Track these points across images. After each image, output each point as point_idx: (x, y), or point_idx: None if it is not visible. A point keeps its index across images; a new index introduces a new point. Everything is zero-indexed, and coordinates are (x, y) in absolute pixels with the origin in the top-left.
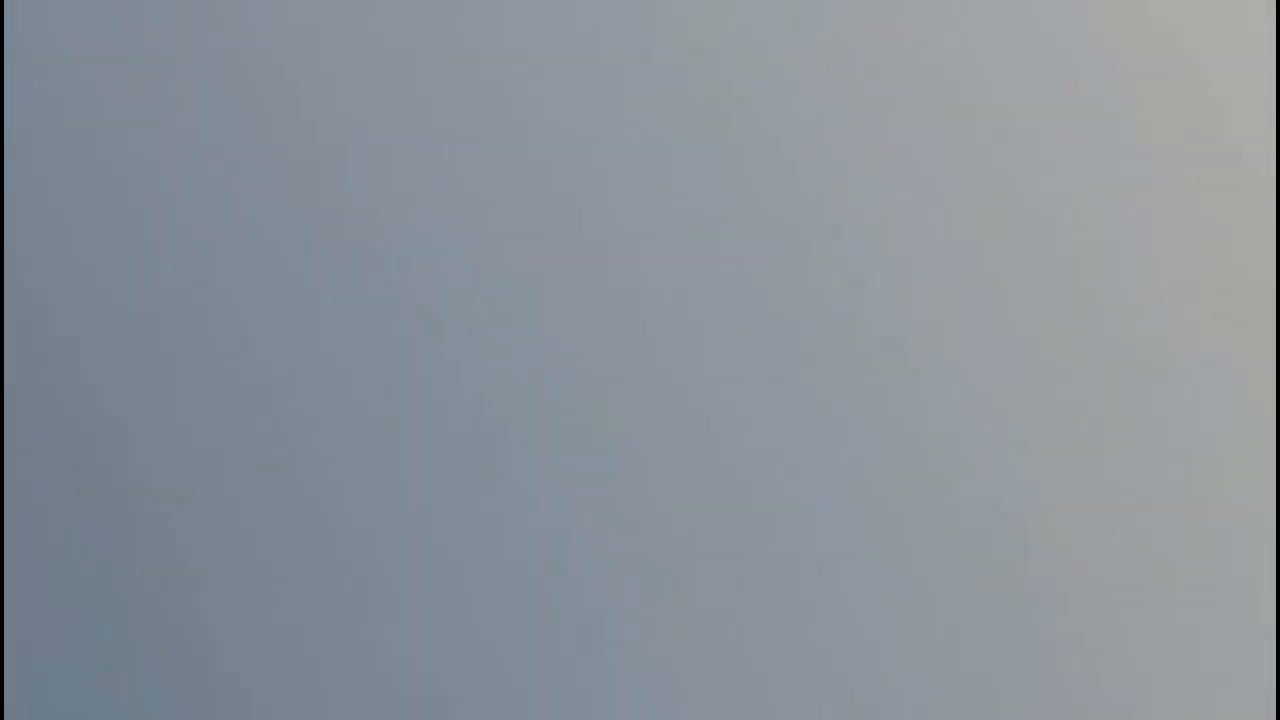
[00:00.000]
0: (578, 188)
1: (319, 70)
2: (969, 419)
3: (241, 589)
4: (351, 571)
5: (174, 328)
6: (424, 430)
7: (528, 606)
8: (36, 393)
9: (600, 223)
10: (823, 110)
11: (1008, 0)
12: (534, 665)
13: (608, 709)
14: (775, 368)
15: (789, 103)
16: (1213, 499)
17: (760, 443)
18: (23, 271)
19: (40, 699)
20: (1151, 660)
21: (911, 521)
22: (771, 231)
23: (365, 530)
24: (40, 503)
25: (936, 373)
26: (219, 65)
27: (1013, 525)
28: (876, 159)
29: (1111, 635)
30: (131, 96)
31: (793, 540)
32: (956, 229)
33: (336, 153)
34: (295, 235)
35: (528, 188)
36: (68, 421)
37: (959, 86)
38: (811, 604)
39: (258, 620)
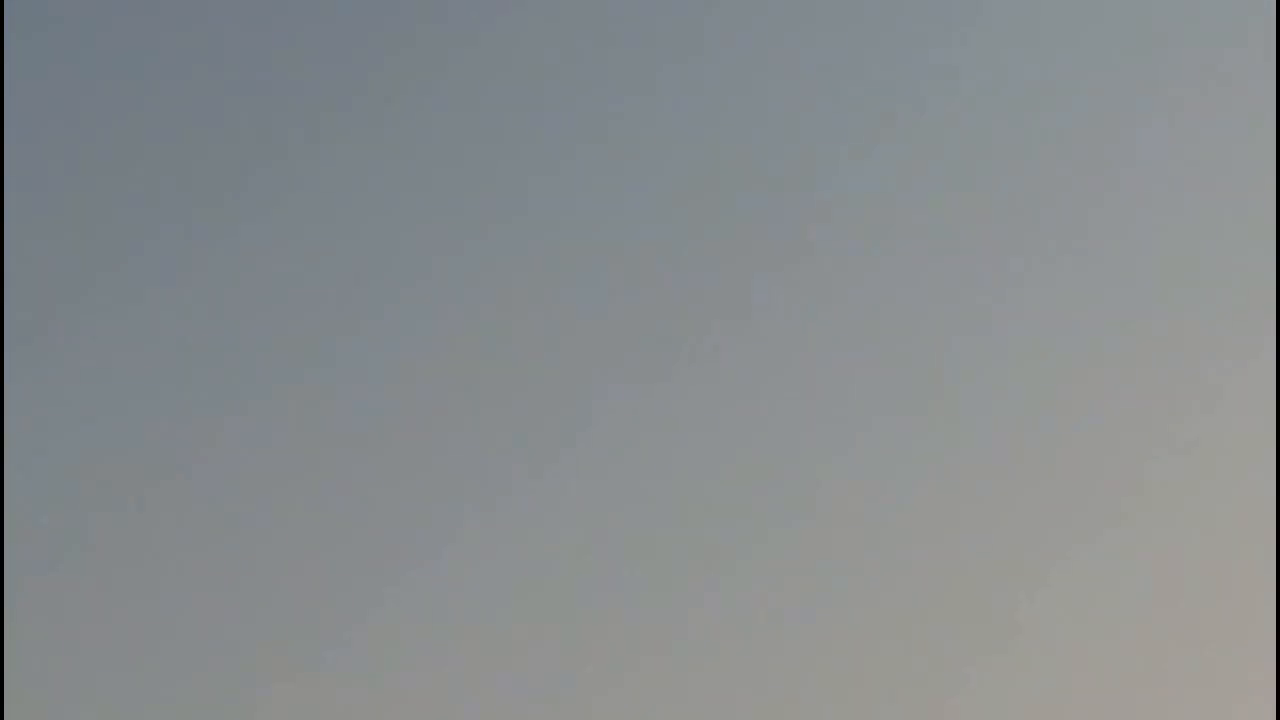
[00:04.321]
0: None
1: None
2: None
3: (241, 588)
4: (354, 576)
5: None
6: None
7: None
8: (36, 392)
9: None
10: None
11: None
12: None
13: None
14: None
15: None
16: (1213, 499)
17: None
18: (22, 272)
19: (40, 699)
20: (1152, 660)
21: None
22: None
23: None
24: (40, 502)
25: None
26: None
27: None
28: None
29: (1112, 635)
30: (129, 97)
31: None
32: None
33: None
34: (293, 240)
35: None
36: (68, 421)
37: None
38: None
39: (258, 619)
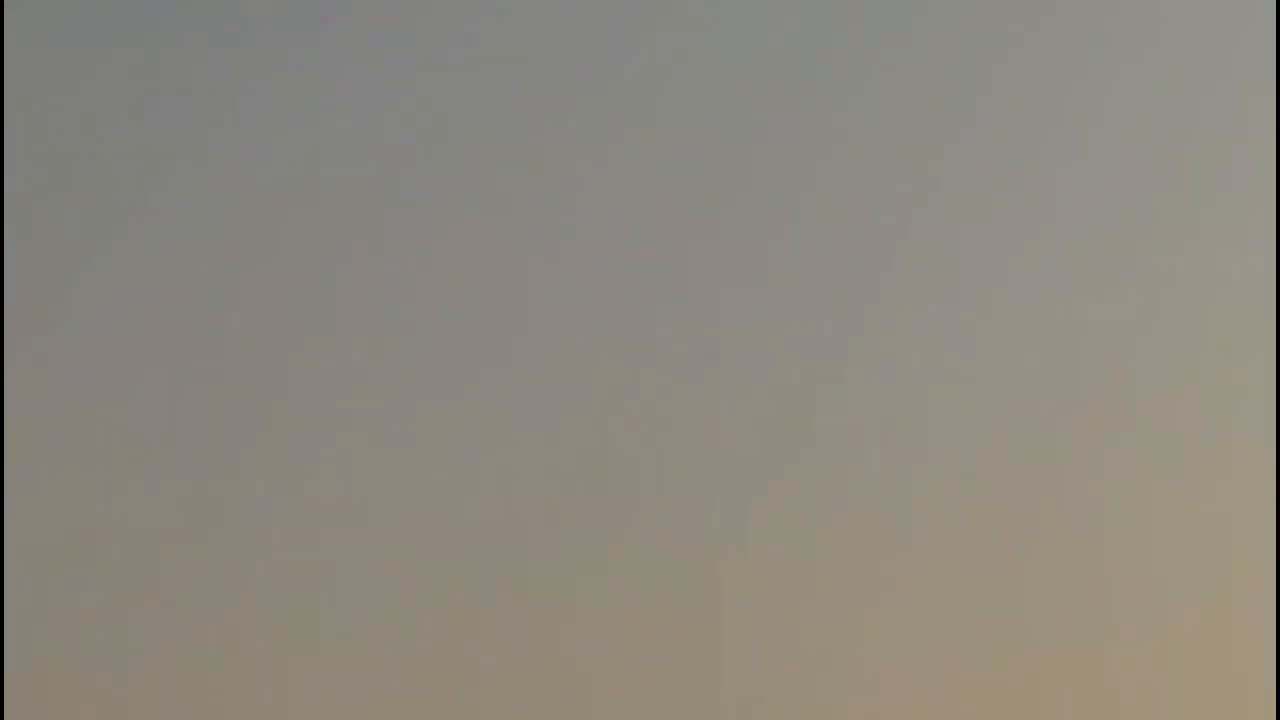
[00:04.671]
0: None
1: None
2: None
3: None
4: (357, 578)
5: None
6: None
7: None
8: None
9: None
10: None
11: None
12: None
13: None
14: None
15: None
16: (1214, 500)
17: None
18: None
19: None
20: (1152, 660)
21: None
22: None
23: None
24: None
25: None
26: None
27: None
28: None
29: (1113, 635)
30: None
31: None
32: None
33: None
34: (295, 243)
35: None
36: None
37: None
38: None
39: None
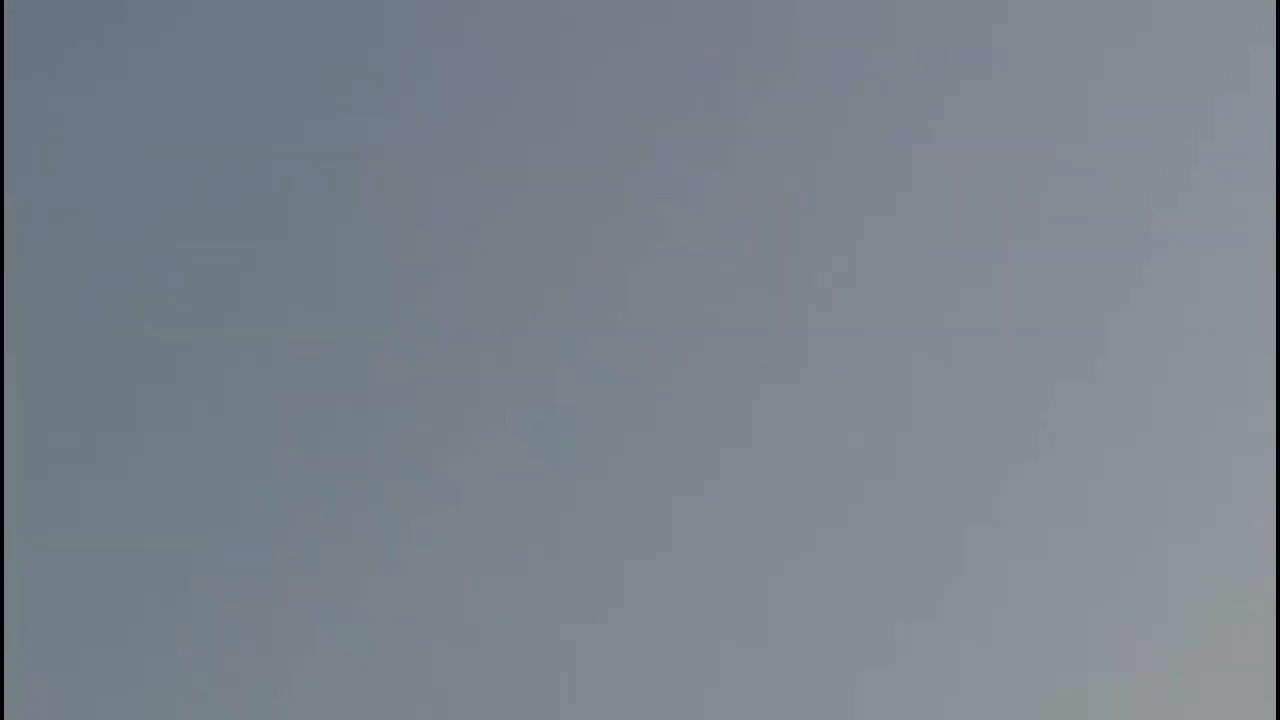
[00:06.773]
0: None
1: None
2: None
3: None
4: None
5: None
6: None
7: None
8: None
9: None
10: None
11: None
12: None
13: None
14: None
15: None
16: (1213, 500)
17: None
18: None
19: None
20: (1153, 660)
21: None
22: None
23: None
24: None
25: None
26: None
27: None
28: None
29: (1113, 635)
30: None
31: None
32: None
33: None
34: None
35: None
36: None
37: None
38: None
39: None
